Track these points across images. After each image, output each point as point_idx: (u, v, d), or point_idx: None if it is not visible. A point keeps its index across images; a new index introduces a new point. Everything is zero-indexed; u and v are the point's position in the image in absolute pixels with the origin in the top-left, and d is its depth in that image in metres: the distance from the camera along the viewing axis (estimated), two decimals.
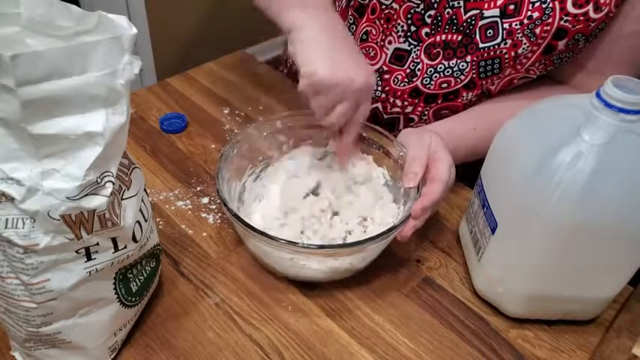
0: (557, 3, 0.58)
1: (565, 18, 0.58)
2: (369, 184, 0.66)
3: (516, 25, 0.60)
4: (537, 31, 0.60)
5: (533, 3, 0.59)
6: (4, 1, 0.37)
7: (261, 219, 0.62)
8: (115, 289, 0.47)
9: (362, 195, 0.65)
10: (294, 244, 0.51)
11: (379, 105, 0.73)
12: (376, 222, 0.62)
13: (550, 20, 0.59)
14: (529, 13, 0.59)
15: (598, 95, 0.45)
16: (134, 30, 0.39)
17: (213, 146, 0.78)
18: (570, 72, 0.67)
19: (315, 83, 0.55)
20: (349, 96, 0.57)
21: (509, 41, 0.61)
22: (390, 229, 0.54)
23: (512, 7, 0.60)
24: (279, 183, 0.66)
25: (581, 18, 0.58)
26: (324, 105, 0.57)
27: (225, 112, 0.84)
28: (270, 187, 0.66)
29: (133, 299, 0.50)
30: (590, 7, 0.57)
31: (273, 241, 0.52)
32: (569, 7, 0.58)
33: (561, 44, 0.60)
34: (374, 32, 0.70)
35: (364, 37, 0.71)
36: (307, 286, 0.59)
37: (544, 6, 0.58)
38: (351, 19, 0.71)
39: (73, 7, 0.38)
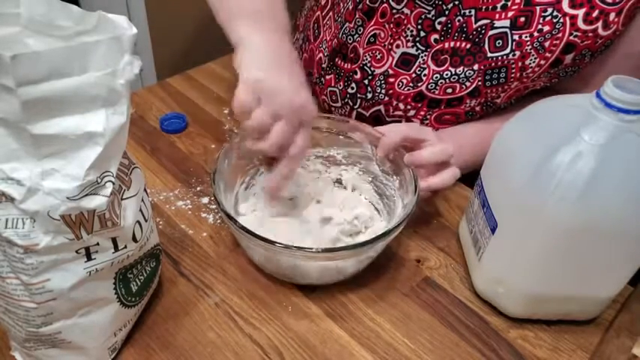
0: (567, 18, 0.58)
1: (575, 33, 0.59)
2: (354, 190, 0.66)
3: (526, 37, 0.60)
4: (547, 44, 0.60)
5: (545, 17, 0.59)
6: (4, 1, 0.37)
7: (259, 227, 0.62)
8: (115, 289, 0.47)
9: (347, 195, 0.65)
10: (301, 248, 0.51)
11: (382, 107, 0.73)
12: (369, 230, 0.62)
13: (560, 35, 0.59)
14: (540, 26, 0.59)
15: (598, 95, 0.45)
16: (134, 30, 0.39)
17: (213, 146, 0.78)
18: (576, 87, 0.67)
19: (257, 87, 0.52)
20: (290, 112, 0.54)
21: (517, 52, 0.61)
22: (390, 229, 0.54)
23: (522, 19, 0.60)
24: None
25: (590, 34, 0.58)
26: (262, 117, 0.53)
27: (225, 112, 0.84)
28: (262, 195, 0.65)
29: (133, 299, 0.50)
30: (599, 24, 0.58)
31: (283, 249, 0.51)
32: (580, 23, 0.58)
33: (568, 58, 0.61)
34: (382, 35, 0.70)
35: (372, 39, 0.70)
36: (307, 287, 0.59)
37: (555, 20, 0.59)
38: (358, 21, 0.71)
39: (73, 7, 0.38)
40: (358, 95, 0.74)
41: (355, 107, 0.75)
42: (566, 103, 0.50)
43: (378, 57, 0.70)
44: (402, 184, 0.62)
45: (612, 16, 0.57)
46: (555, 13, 0.59)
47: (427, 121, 0.71)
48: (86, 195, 0.39)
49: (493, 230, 0.54)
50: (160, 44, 1.51)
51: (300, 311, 0.57)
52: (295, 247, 0.51)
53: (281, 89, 0.53)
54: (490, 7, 0.62)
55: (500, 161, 0.55)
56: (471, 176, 0.67)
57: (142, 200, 0.48)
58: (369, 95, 0.73)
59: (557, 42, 0.60)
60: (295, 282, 0.59)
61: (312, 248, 0.51)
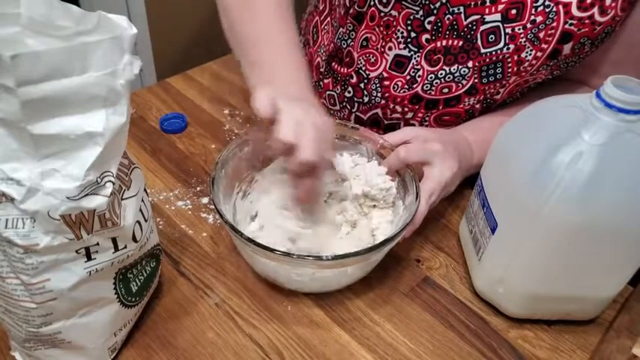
0: (561, 7, 0.57)
1: (570, 22, 0.58)
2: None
3: (519, 29, 0.60)
4: (541, 35, 0.59)
5: (537, 7, 0.58)
6: (4, 1, 0.37)
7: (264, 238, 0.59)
8: (115, 289, 0.47)
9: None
10: (320, 258, 0.50)
11: (379, 111, 0.73)
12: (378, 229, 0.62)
13: (554, 24, 0.58)
14: (532, 17, 0.59)
15: (598, 95, 0.45)
16: (134, 30, 0.39)
17: (213, 146, 0.78)
18: (585, 76, 0.67)
19: (276, 100, 0.50)
20: (310, 122, 0.51)
21: (512, 46, 0.61)
22: (398, 232, 0.53)
23: (514, 11, 0.59)
24: (270, 199, 0.62)
25: (587, 21, 0.57)
26: (288, 121, 0.50)
27: (225, 112, 0.84)
28: (259, 203, 0.62)
29: (133, 299, 0.50)
30: (595, 9, 0.57)
31: (294, 259, 0.50)
32: (574, 11, 0.57)
33: (567, 48, 0.60)
34: (374, 39, 0.69)
35: (364, 43, 0.70)
36: None
37: (547, 10, 0.58)
38: (350, 26, 0.71)
39: (73, 7, 0.38)
40: (355, 99, 0.74)
41: (353, 111, 0.75)
42: (566, 103, 0.50)
43: (372, 60, 0.70)
44: (403, 184, 0.61)
45: (608, 0, 0.56)
46: (547, 3, 0.58)
47: (426, 123, 0.71)
48: (86, 195, 0.39)
49: (493, 230, 0.54)
50: (160, 44, 1.51)
51: (300, 311, 0.57)
52: (306, 256, 0.50)
53: (297, 103, 0.53)
54: (479, 2, 0.61)
55: (500, 161, 0.55)
56: (471, 176, 0.67)
57: (142, 200, 0.48)
58: (366, 99, 0.73)
59: (553, 32, 0.58)
60: (305, 291, 0.59)
61: (322, 256, 0.50)
